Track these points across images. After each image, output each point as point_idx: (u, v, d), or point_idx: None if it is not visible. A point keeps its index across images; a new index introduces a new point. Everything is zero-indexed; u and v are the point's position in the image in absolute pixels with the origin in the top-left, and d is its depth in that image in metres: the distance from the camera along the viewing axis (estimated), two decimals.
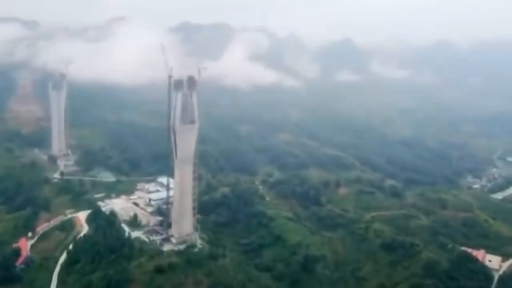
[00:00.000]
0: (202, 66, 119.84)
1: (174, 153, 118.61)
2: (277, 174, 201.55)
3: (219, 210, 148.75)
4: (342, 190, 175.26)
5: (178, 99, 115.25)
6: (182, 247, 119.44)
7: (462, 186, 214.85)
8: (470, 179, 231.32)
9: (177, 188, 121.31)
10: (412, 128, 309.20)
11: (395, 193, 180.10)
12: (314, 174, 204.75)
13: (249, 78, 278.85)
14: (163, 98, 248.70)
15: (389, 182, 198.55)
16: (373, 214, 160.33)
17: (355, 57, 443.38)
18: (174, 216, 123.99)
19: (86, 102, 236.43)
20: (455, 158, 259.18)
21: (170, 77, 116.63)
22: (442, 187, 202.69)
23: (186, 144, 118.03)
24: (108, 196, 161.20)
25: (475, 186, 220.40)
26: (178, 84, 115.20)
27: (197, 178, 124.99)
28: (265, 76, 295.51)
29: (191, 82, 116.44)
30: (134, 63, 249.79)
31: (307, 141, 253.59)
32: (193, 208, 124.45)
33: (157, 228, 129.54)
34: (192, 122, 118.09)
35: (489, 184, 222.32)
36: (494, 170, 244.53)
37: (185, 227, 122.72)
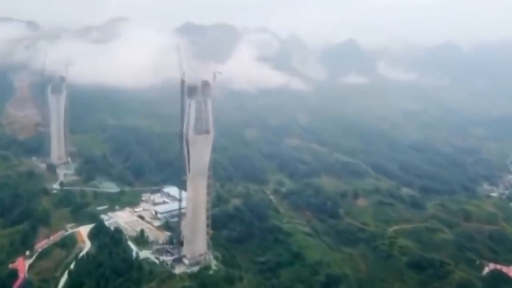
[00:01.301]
0: (217, 70, 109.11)
1: (187, 166, 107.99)
2: (288, 183, 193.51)
3: (231, 225, 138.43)
4: (361, 201, 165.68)
5: (191, 107, 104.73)
6: (195, 269, 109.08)
7: (480, 194, 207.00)
8: (486, 186, 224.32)
9: (190, 205, 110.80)
10: (421, 132, 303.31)
11: (415, 204, 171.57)
12: (328, 183, 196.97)
13: (255, 80, 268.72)
14: (167, 102, 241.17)
15: (405, 190, 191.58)
16: (395, 227, 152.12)
17: (360, 59, 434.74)
18: (186, 234, 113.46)
19: (86, 106, 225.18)
20: (469, 164, 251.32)
21: (183, 82, 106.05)
22: (460, 196, 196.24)
23: (200, 156, 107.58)
24: (112, 209, 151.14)
25: (493, 194, 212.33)
26: (192, 90, 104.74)
27: (211, 192, 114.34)
28: (271, 78, 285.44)
29: (206, 87, 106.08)
30: (136, 65, 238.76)
31: (316, 147, 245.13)
32: (207, 225, 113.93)
33: (167, 247, 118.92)
34: (207, 131, 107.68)
35: (506, 192, 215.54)
36: (511, 177, 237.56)
37: (198, 247, 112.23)
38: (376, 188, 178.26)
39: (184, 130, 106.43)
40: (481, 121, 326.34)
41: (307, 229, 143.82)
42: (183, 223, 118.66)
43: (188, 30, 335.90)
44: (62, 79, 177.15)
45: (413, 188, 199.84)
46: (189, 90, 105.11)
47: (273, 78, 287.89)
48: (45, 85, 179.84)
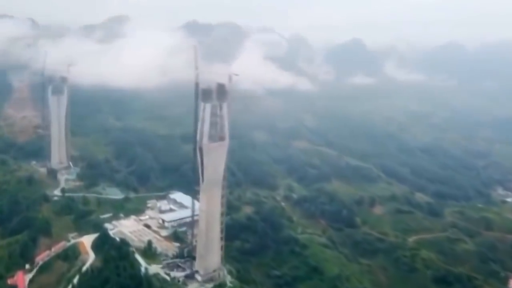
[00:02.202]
0: (233, 72, 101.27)
1: (200, 175, 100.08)
2: (299, 188, 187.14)
3: (244, 235, 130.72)
4: (377, 209, 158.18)
5: (206, 112, 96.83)
6: (209, 286, 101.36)
7: (495, 199, 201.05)
8: (500, 191, 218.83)
9: (202, 217, 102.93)
10: (429, 134, 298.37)
11: (433, 211, 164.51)
12: (340, 188, 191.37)
13: (262, 81, 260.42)
14: (173, 103, 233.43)
15: (419, 196, 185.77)
16: (415, 237, 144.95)
17: (366, 59, 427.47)
18: (199, 248, 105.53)
19: (88, 107, 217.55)
20: (480, 167, 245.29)
21: (197, 85, 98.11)
22: (476, 202, 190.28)
23: (215, 164, 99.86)
24: (116, 217, 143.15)
25: (508, 199, 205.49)
26: (206, 94, 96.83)
27: (225, 203, 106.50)
28: (278, 78, 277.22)
29: (222, 91, 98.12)
30: (140, 65, 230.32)
31: (325, 150, 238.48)
32: (221, 239, 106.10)
33: (178, 261, 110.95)
34: (222, 138, 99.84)
35: None
36: None
37: (212, 262, 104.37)
38: (393, 195, 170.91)
39: (198, 137, 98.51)
40: (489, 122, 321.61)
41: (324, 240, 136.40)
42: (194, 234, 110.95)
43: (193, 29, 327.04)
44: (63, 79, 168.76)
45: (427, 193, 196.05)
46: (203, 94, 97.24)
47: (280, 78, 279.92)
48: (45, 85, 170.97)
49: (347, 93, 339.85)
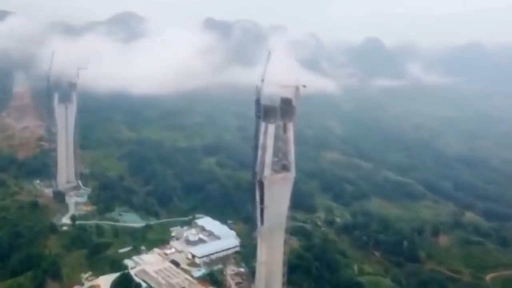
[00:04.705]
0: (301, 83, 78.63)
1: (258, 216, 77.07)
2: (338, 209, 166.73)
3: (296, 278, 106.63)
4: (442, 239, 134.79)
5: (269, 135, 74.34)
6: None
7: None
8: None
9: (261, 271, 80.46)
10: (463, 142, 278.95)
11: (502, 240, 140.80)
12: (381, 208, 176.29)
13: (286, 84, 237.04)
14: (193, 110, 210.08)
15: (469, 215, 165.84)
16: (492, 275, 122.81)
17: (386, 59, 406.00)
18: None
19: (97, 115, 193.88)
20: None
21: (258, 101, 74.97)
22: None
23: (278, 202, 77.51)
24: (137, 250, 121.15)
25: None
26: (270, 112, 74.04)
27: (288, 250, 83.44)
28: (303, 81, 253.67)
29: (287, 108, 75.59)
30: (157, 68, 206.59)
31: (358, 162, 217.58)
32: None
33: None
34: (286, 168, 76.95)
35: None
36: None
37: None
38: (457, 221, 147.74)
39: (258, 167, 75.47)
40: None
41: (388, 281, 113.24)
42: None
43: (211, 26, 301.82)
44: (72, 85, 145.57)
45: (476, 212, 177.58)
46: (265, 112, 74.37)
47: (305, 80, 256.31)
48: (51, 91, 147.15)
49: (372, 96, 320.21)
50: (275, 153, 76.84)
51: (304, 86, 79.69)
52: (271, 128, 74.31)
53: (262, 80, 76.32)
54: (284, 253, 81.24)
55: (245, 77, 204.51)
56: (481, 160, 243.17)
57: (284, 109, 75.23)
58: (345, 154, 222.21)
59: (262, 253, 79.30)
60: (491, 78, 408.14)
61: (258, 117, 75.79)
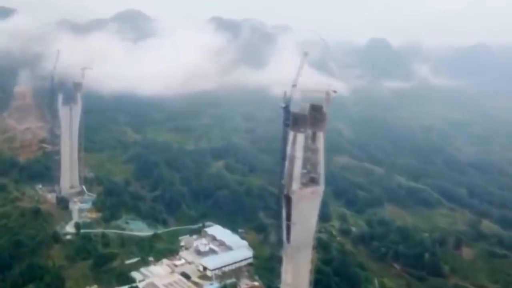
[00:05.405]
0: (332, 89, 72.15)
1: (284, 234, 70.52)
2: (352, 217, 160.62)
3: None
4: (466, 252, 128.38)
5: (298, 146, 67.83)
6: None
7: None
8: None
9: None
10: (474, 146, 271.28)
11: None
12: (396, 215, 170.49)
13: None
14: (201, 112, 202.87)
15: (486, 224, 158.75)
16: None
17: (393, 60, 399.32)
18: None
19: (101, 116, 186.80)
20: None
21: (286, 108, 68.38)
22: None
23: (306, 218, 70.79)
24: (145, 261, 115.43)
25: None
26: (299, 120, 67.41)
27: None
28: (310, 82, 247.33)
29: (317, 115, 69.01)
30: (164, 69, 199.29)
31: (370, 167, 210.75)
32: None
33: None
34: (315, 181, 70.40)
35: None
36: None
37: None
38: (480, 233, 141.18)
39: (285, 180, 68.90)
40: None
41: None
42: None
43: (218, 26, 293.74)
44: (77, 85, 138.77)
45: (492, 220, 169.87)
46: (294, 120, 67.75)
47: (312, 82, 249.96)
48: (55, 91, 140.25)
49: (380, 98, 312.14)
50: (303, 165, 70.35)
51: (335, 92, 73.23)
52: (301, 137, 67.86)
53: (294, 85, 69.59)
54: (310, 271, 74.76)
55: (254, 78, 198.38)
56: (493, 164, 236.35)
57: (314, 116, 68.85)
58: (355, 158, 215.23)
59: (288, 274, 72.80)
60: (497, 79, 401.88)
61: (286, 125, 69.22)
